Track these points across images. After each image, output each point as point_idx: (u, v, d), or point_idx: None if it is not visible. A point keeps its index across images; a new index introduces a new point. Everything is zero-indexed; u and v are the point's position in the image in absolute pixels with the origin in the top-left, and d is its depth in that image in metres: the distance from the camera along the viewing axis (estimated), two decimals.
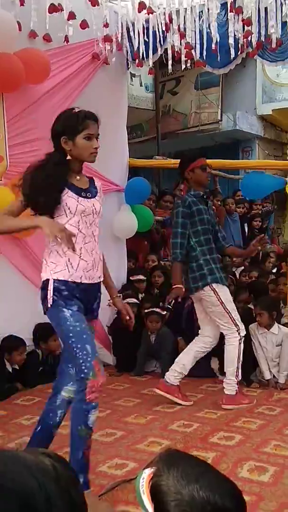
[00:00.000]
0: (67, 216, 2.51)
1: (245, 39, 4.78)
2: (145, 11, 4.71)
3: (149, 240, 6.36)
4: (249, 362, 4.55)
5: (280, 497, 2.54)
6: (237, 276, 6.06)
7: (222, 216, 7.11)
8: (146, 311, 4.99)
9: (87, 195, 2.60)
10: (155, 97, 8.95)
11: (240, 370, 4.02)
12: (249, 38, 4.74)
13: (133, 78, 8.95)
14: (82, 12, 4.69)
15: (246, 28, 4.66)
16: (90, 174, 5.25)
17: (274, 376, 4.50)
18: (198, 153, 4.20)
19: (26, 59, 4.19)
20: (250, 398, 4.11)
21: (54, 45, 4.75)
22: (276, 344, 4.47)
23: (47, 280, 2.50)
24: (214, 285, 3.92)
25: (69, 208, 2.51)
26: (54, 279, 2.49)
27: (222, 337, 4.23)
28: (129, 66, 5.69)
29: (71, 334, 2.42)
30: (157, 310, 4.91)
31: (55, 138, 2.56)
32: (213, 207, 6.90)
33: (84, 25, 4.74)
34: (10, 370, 4.42)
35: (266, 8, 4.53)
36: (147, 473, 0.97)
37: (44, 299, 2.52)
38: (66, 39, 4.81)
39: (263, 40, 4.67)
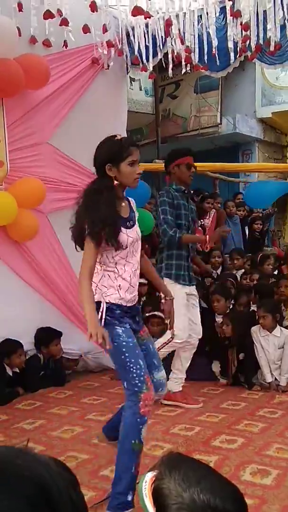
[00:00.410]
0: (117, 250, 2.57)
1: (243, 43, 4.80)
2: (142, 16, 4.73)
3: (149, 243, 6.35)
4: (251, 365, 4.55)
5: (283, 500, 2.54)
6: (238, 279, 6.06)
7: (222, 219, 7.11)
8: (147, 314, 4.98)
9: (131, 223, 2.67)
10: (155, 101, 8.97)
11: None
12: (247, 42, 4.76)
13: (132, 82, 8.97)
14: (81, 17, 4.71)
15: (244, 33, 4.67)
16: (91, 178, 5.30)
17: (275, 378, 4.50)
18: (187, 151, 4.13)
19: (25, 64, 4.20)
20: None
21: (54, 51, 4.76)
22: (278, 347, 4.46)
23: (99, 302, 2.57)
24: (165, 279, 3.81)
25: (121, 243, 2.56)
26: (106, 302, 2.56)
27: (221, 339, 4.23)
28: (128, 71, 5.71)
29: (124, 349, 2.49)
30: (158, 313, 4.90)
31: (100, 165, 2.61)
32: (214, 209, 6.93)
33: (85, 29, 4.76)
34: (11, 373, 4.42)
35: (264, 12, 4.55)
36: (149, 476, 0.97)
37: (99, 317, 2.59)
38: (65, 44, 4.82)
39: (262, 44, 4.68)
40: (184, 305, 3.96)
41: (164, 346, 3.87)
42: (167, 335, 3.87)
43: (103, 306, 2.55)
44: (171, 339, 3.81)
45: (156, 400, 2.75)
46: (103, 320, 2.52)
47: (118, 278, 2.59)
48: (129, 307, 2.63)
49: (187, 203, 4.06)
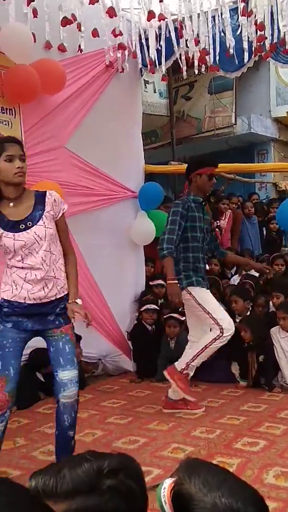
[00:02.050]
0: (9, 254, 2.66)
1: (258, 43, 4.78)
2: (156, 18, 4.74)
3: None
4: (271, 366, 4.52)
5: None
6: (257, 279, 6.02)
7: (239, 220, 7.08)
8: (165, 316, 4.99)
9: (27, 225, 2.63)
10: (169, 102, 8.98)
11: (198, 360, 3.90)
12: (261, 42, 4.73)
13: (146, 85, 8.98)
14: (95, 21, 4.73)
15: (259, 32, 4.65)
16: (107, 181, 5.30)
17: None
18: (212, 161, 4.12)
19: (41, 70, 4.23)
20: (196, 403, 4.07)
21: (69, 55, 4.79)
22: None
23: None
24: (189, 288, 3.87)
25: (7, 247, 2.63)
26: (0, 298, 2.69)
27: (238, 341, 4.20)
28: (142, 73, 5.72)
29: None
30: (176, 315, 4.90)
31: None
32: (229, 210, 6.89)
33: (95, 33, 4.77)
34: (42, 379, 4.42)
35: (277, 10, 4.52)
36: (168, 483, 0.97)
37: None
38: (80, 48, 4.85)
39: (277, 42, 4.66)
40: (214, 300, 4.01)
41: (213, 342, 3.84)
42: (215, 330, 3.84)
43: None
44: (220, 333, 3.83)
45: (62, 402, 2.72)
46: None
47: (13, 275, 2.66)
48: (29, 305, 2.66)
49: (202, 215, 4.02)
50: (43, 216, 2.67)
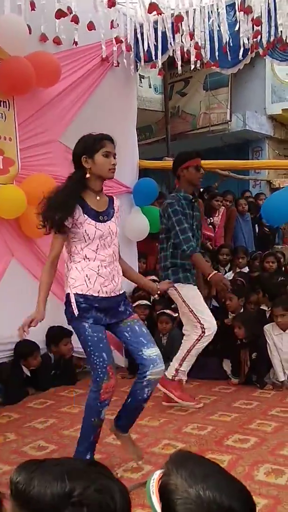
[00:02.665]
0: (85, 242, 2.74)
1: (254, 39, 4.76)
2: (154, 12, 4.71)
3: (159, 242, 6.33)
4: (263, 363, 4.52)
5: None
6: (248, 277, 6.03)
7: (233, 217, 7.08)
8: (157, 312, 4.98)
9: (104, 218, 2.80)
10: (164, 98, 8.94)
11: (186, 363, 3.97)
12: (258, 38, 4.72)
13: (142, 79, 8.95)
14: (91, 14, 4.69)
15: (255, 28, 4.64)
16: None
17: None
18: (194, 153, 4.10)
19: (36, 62, 4.20)
20: (191, 398, 4.08)
21: (64, 48, 4.75)
22: None
23: (68, 294, 2.76)
24: (176, 285, 3.88)
25: (88, 235, 2.72)
26: (74, 293, 2.74)
27: (231, 338, 4.20)
28: (138, 68, 5.69)
29: (89, 343, 2.71)
30: (168, 311, 4.90)
31: (76, 159, 2.77)
32: (223, 207, 6.88)
33: (90, 26, 4.74)
34: (28, 374, 4.42)
35: (275, 7, 4.51)
36: (157, 474, 0.99)
37: (66, 311, 2.80)
38: (75, 42, 4.81)
39: (275, 39, 4.64)
40: (200, 298, 4.02)
41: (196, 343, 3.92)
42: (196, 332, 3.90)
43: (73, 298, 2.73)
44: (202, 333, 3.87)
45: (149, 379, 2.79)
46: (74, 311, 2.72)
47: (85, 269, 2.74)
48: (102, 298, 2.76)
49: (192, 211, 4.01)
50: (115, 215, 2.87)
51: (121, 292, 2.89)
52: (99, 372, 2.69)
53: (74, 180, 2.78)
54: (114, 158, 2.79)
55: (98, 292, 2.75)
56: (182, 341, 4.06)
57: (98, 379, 2.69)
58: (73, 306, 2.72)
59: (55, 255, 2.76)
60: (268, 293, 5.20)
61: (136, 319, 2.92)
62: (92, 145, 2.74)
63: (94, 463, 0.98)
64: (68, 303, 2.76)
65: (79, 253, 2.75)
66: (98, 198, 2.81)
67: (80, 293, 2.73)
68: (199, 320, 3.89)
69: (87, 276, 2.74)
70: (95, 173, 2.75)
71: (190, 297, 3.93)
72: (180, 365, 3.99)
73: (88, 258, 2.75)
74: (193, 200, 4.05)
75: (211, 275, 3.84)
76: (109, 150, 2.76)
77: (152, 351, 2.82)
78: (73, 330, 2.91)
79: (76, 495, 0.86)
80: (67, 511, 0.85)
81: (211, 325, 3.92)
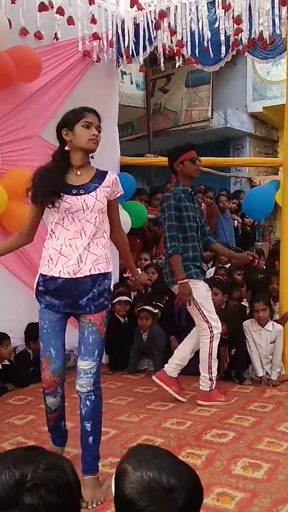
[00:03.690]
0: (52, 214, 2.68)
1: (235, 37, 4.78)
2: (135, 7, 4.71)
3: (141, 238, 6.35)
4: (242, 359, 4.56)
5: (275, 494, 2.55)
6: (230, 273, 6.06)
7: (214, 214, 7.12)
8: (137, 308, 4.99)
9: (80, 191, 2.66)
10: (146, 94, 8.94)
11: (213, 368, 4.01)
12: (239, 36, 4.74)
13: (123, 76, 8.93)
14: (71, 9, 4.66)
15: (236, 26, 4.65)
16: None
17: (266, 373, 4.52)
18: (188, 146, 4.13)
19: (17, 56, 4.16)
20: (228, 396, 4.08)
21: (45, 43, 4.72)
22: (270, 341, 4.48)
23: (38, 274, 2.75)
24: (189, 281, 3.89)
25: (54, 207, 2.65)
26: (39, 274, 2.72)
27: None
28: (119, 64, 5.68)
29: (39, 329, 2.76)
30: (148, 308, 4.91)
31: (58, 134, 2.72)
32: (204, 204, 6.92)
33: (70, 21, 4.71)
34: (0, 367, 4.39)
35: (255, 6, 4.54)
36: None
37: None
38: (56, 36, 4.78)
39: (255, 38, 4.67)
40: (209, 298, 4.04)
41: (211, 347, 3.95)
42: (205, 334, 3.94)
43: (36, 279, 2.72)
44: (211, 334, 3.91)
45: (77, 389, 2.69)
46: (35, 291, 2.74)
47: (50, 248, 2.67)
48: (65, 280, 2.62)
49: (193, 204, 4.03)
50: (98, 189, 2.70)
51: (89, 274, 2.64)
52: (42, 363, 2.73)
53: (57, 157, 2.73)
54: (97, 129, 2.69)
55: (59, 273, 2.62)
56: (200, 350, 4.05)
57: (41, 370, 2.76)
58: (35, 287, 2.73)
59: (29, 226, 2.78)
60: (252, 289, 5.26)
61: (92, 323, 2.67)
62: (72, 117, 2.68)
63: (34, 447, 1.00)
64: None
65: (49, 228, 2.71)
66: (79, 173, 2.70)
67: (43, 273, 2.68)
68: (206, 318, 3.91)
69: (50, 256, 2.67)
70: (75, 145, 2.66)
71: (200, 295, 3.92)
72: (210, 373, 4.00)
73: (54, 233, 2.66)
74: (192, 193, 4.07)
75: (180, 281, 3.83)
76: (90, 121, 2.67)
77: (82, 364, 2.66)
78: None
79: (28, 479, 0.87)
80: (25, 497, 0.86)
81: (218, 324, 3.97)
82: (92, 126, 2.67)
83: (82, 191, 2.66)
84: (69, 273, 2.62)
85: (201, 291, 3.94)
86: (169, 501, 1.00)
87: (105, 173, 2.79)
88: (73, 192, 2.65)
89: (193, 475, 1.07)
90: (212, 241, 4.28)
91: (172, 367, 4.11)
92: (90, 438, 2.70)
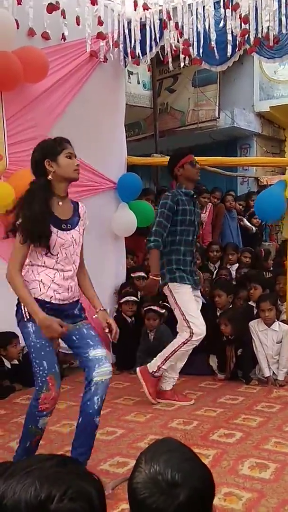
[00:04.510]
0: (43, 250, 2.67)
1: (242, 37, 4.77)
2: (140, 8, 4.71)
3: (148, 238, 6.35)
4: (249, 359, 4.56)
5: (282, 494, 2.55)
6: (232, 274, 6.08)
7: (221, 213, 7.11)
8: (144, 309, 4.99)
9: (68, 226, 2.74)
10: (153, 94, 8.93)
11: (167, 364, 4.00)
12: (246, 36, 4.73)
13: (130, 76, 8.93)
14: (78, 9, 4.68)
15: (243, 26, 4.65)
16: (89, 172, 5.27)
17: (273, 373, 4.51)
18: (186, 150, 4.19)
19: (24, 57, 4.17)
20: (169, 394, 4.10)
21: (52, 43, 4.73)
22: (276, 341, 4.48)
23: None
24: (170, 284, 3.94)
25: (50, 242, 2.66)
26: None
27: (217, 334, 4.23)
28: (126, 64, 5.68)
29: (32, 349, 2.64)
30: (155, 308, 4.91)
31: (38, 165, 2.71)
32: (210, 203, 6.92)
33: (78, 22, 4.72)
34: (9, 366, 4.41)
35: (262, 5, 4.53)
36: None
37: (16, 312, 2.71)
38: (63, 37, 4.79)
39: (261, 37, 4.66)
40: (194, 301, 4.02)
41: (182, 346, 3.93)
42: (184, 333, 3.92)
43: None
44: (189, 337, 3.88)
45: (97, 381, 2.65)
46: (25, 315, 2.63)
47: (41, 273, 2.67)
48: (52, 307, 2.66)
49: (193, 207, 4.05)
50: (79, 223, 2.81)
51: (75, 300, 2.82)
52: (39, 381, 2.59)
53: (40, 186, 2.69)
54: (76, 158, 2.76)
55: (51, 298, 2.68)
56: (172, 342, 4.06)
57: (37, 388, 2.60)
58: (22, 309, 2.64)
59: (22, 262, 2.67)
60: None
61: (85, 323, 2.82)
62: (53, 148, 2.70)
63: (65, 461, 0.94)
64: (19, 304, 2.68)
65: (38, 259, 2.68)
66: (60, 203, 2.73)
67: (35, 296, 2.64)
68: (188, 324, 3.90)
69: (42, 281, 2.67)
70: (60, 176, 2.69)
71: (183, 299, 3.93)
72: (163, 363, 4.01)
73: (45, 263, 2.68)
74: (194, 196, 4.08)
75: (151, 276, 3.91)
76: (71, 152, 2.73)
77: (97, 352, 2.70)
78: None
79: (53, 503, 0.84)
80: None
81: (200, 331, 3.93)
82: (73, 156, 2.73)
83: (69, 226, 2.74)
84: (59, 300, 2.71)
85: (183, 295, 3.94)
86: (170, 495, 1.01)
87: (77, 204, 2.87)
88: (63, 227, 2.71)
89: (203, 474, 1.08)
90: None
91: (165, 380, 4.11)
92: (96, 432, 2.75)
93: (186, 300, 3.95)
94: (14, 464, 0.92)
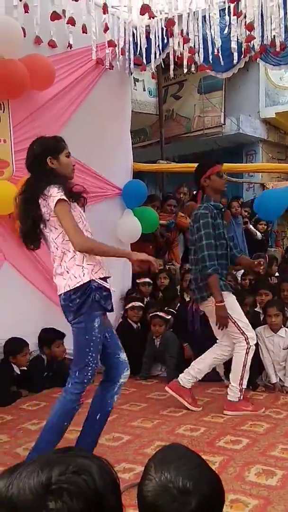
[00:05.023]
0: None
1: (247, 44, 4.80)
2: (145, 16, 4.74)
3: (153, 244, 6.36)
4: (255, 365, 4.54)
5: None
6: (238, 280, 6.06)
7: (228, 220, 7.11)
8: (150, 314, 4.99)
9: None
10: (158, 101, 8.98)
11: (244, 380, 3.95)
12: (251, 43, 4.76)
13: (136, 83, 8.98)
14: (84, 17, 4.71)
15: (248, 33, 4.67)
16: (96, 179, 5.29)
17: (280, 379, 4.49)
18: (213, 161, 4.11)
19: (31, 65, 4.22)
20: (256, 406, 4.02)
21: (59, 51, 4.77)
22: (283, 348, 4.46)
23: (89, 282, 2.65)
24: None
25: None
26: (97, 278, 2.70)
27: None
28: (132, 71, 5.72)
29: (92, 344, 2.68)
30: (161, 314, 4.91)
31: (40, 160, 2.76)
32: None
33: (84, 29, 4.75)
34: (18, 372, 4.42)
35: (267, 12, 4.55)
36: None
37: (82, 304, 2.66)
38: (70, 45, 4.83)
39: (267, 44, 4.68)
40: (239, 307, 3.99)
41: (247, 357, 3.91)
42: (241, 345, 3.89)
43: (92, 285, 2.66)
44: (247, 345, 3.87)
45: (122, 382, 2.88)
46: (90, 302, 2.64)
47: (95, 257, 2.74)
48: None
49: (221, 220, 3.99)
50: None
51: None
52: (89, 374, 2.67)
53: (56, 175, 2.74)
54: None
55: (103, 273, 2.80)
56: (233, 359, 4.00)
57: (85, 381, 2.67)
58: (91, 296, 2.66)
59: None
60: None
61: (109, 321, 3.00)
62: (55, 146, 2.79)
63: (68, 448, 0.95)
64: (87, 291, 2.65)
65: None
66: None
67: (103, 275, 2.72)
68: (242, 330, 3.87)
69: (99, 261, 2.76)
70: (63, 174, 2.78)
71: (232, 307, 3.89)
72: (241, 384, 3.95)
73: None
74: (222, 209, 4.06)
75: (219, 303, 3.81)
76: (69, 151, 2.83)
77: (124, 356, 2.90)
78: (76, 327, 2.72)
79: (53, 482, 0.84)
80: (49, 501, 0.83)
81: (253, 334, 3.95)
82: (70, 156, 2.84)
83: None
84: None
85: (231, 304, 3.90)
86: (182, 503, 1.01)
87: None
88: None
89: (213, 480, 1.08)
90: (236, 255, 4.23)
91: (187, 377, 4.07)
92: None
93: (234, 307, 3.91)
94: (21, 463, 0.94)
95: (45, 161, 2.74)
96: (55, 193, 2.60)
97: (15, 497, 0.85)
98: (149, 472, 1.07)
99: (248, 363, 3.94)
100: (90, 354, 2.66)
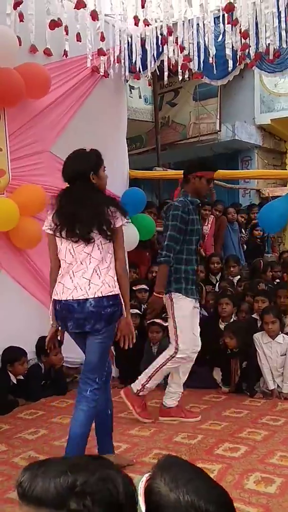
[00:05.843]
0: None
1: (242, 51, 4.82)
2: (142, 24, 4.77)
3: (150, 251, 6.36)
4: (253, 372, 4.54)
5: (287, 509, 2.52)
6: (235, 285, 6.07)
7: (223, 226, 7.12)
8: (147, 322, 4.98)
9: None
10: (154, 108, 9.01)
11: (153, 382, 3.91)
12: (246, 50, 4.78)
13: (132, 90, 9.01)
14: (79, 26, 4.73)
15: (243, 40, 4.69)
16: None
17: (278, 386, 4.48)
18: (213, 166, 4.11)
19: (26, 73, 4.22)
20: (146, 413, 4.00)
21: (54, 60, 4.79)
22: (280, 354, 4.45)
23: (118, 294, 2.83)
24: (174, 294, 3.80)
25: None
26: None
27: (221, 347, 4.19)
28: (127, 79, 5.74)
29: (107, 350, 2.93)
30: (159, 321, 4.90)
31: (84, 176, 2.85)
32: (212, 216, 6.94)
33: (78, 38, 4.76)
34: (15, 381, 4.40)
35: (262, 21, 4.57)
36: (145, 476, 1.02)
37: (115, 312, 2.83)
38: (65, 53, 4.85)
39: (262, 51, 4.70)
40: (190, 319, 3.89)
41: (166, 363, 3.86)
42: (170, 349, 3.86)
43: (120, 298, 2.86)
44: (174, 354, 3.82)
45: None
46: (118, 314, 2.87)
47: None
48: None
49: (198, 216, 3.95)
50: None
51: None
52: (104, 378, 2.90)
53: (100, 191, 2.92)
54: None
55: None
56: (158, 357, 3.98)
57: (101, 384, 2.87)
58: (119, 309, 2.85)
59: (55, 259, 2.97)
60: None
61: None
62: (97, 161, 2.89)
63: (97, 457, 1.00)
64: (118, 303, 2.82)
65: (109, 255, 2.87)
66: None
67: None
68: (177, 339, 3.80)
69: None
70: (100, 187, 2.92)
71: (181, 314, 3.82)
72: (147, 381, 3.91)
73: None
74: (199, 205, 4.04)
75: (155, 293, 3.81)
76: (105, 166, 2.95)
77: None
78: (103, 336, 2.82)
79: (79, 485, 0.88)
80: (72, 502, 0.87)
81: (186, 350, 3.82)
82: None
83: None
84: None
85: (183, 310, 3.81)
86: None
87: None
88: None
89: (229, 500, 1.03)
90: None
91: (170, 396, 3.99)
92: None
93: (184, 316, 3.83)
94: (48, 459, 0.99)
95: (89, 176, 2.85)
96: (119, 215, 2.83)
97: (38, 491, 0.89)
98: (160, 493, 0.98)
99: (165, 369, 3.88)
100: (105, 357, 2.88)
